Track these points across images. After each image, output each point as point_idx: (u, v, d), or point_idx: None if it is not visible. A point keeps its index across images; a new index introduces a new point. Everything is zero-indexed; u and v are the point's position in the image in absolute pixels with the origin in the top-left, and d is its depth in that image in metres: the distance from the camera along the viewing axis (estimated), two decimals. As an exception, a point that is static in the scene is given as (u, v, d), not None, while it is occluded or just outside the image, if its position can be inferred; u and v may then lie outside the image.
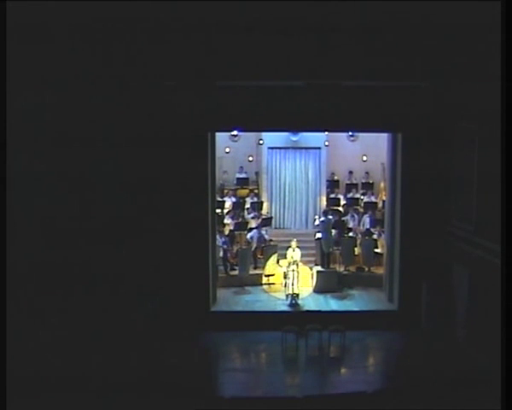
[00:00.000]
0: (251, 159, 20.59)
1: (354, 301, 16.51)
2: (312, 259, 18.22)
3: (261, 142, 20.09)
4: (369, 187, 19.80)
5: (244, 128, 16.74)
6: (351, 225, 18.70)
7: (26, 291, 12.61)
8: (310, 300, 16.52)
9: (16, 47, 10.69)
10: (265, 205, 20.03)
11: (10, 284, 9.39)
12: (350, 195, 19.74)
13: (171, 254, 15.41)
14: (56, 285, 13.77)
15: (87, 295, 14.60)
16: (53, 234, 13.58)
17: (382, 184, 18.93)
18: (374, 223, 18.37)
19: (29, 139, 13.05)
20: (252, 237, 18.25)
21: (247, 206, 19.56)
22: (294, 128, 17.62)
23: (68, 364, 12.01)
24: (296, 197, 20.41)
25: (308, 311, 15.78)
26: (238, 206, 19.33)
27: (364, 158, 20.33)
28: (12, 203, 10.88)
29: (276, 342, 14.25)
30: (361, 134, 19.47)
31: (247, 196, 19.97)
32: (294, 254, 16.53)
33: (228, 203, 19.41)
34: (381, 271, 17.50)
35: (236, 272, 17.51)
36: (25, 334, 11.72)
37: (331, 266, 17.56)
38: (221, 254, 17.47)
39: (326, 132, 19.06)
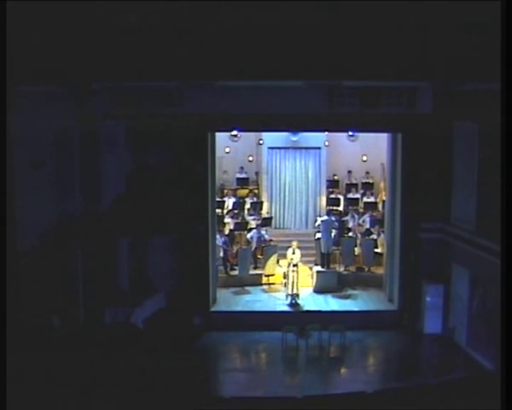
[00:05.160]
0: (251, 159, 20.58)
1: (354, 301, 16.52)
2: (312, 259, 18.22)
3: (261, 142, 20.09)
4: (368, 187, 19.79)
5: (244, 128, 16.75)
6: (351, 225, 18.70)
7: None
8: (310, 300, 16.52)
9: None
10: (265, 205, 20.03)
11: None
12: (350, 195, 19.73)
13: (171, 254, 15.45)
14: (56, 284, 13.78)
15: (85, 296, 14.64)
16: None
17: (382, 184, 18.93)
18: (374, 223, 18.37)
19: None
20: (252, 237, 18.24)
21: (247, 206, 19.55)
22: (294, 128, 17.62)
23: (67, 364, 12.02)
24: (296, 197, 20.41)
25: (308, 311, 15.78)
26: (238, 206, 19.32)
27: (364, 158, 20.32)
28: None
29: (276, 342, 14.25)
30: (361, 134, 19.46)
31: (247, 196, 19.96)
32: (295, 256, 16.48)
33: (228, 203, 19.40)
34: (381, 271, 17.50)
35: (236, 272, 17.51)
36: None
37: (331, 266, 17.57)
38: (221, 254, 17.47)
39: (326, 132, 19.06)
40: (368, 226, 18.47)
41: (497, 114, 9.67)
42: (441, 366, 13.40)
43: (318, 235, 17.87)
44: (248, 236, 18.33)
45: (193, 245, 15.25)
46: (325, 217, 17.83)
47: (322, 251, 17.35)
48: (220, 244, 17.33)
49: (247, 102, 14.46)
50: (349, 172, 20.33)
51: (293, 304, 16.12)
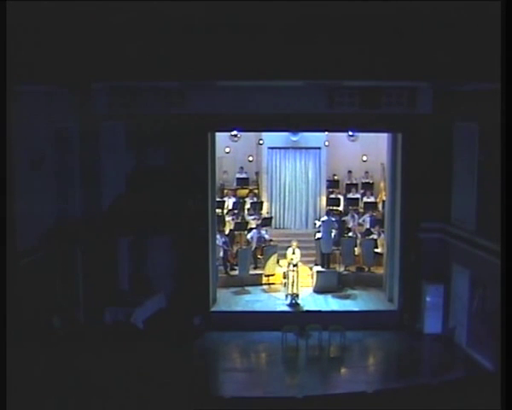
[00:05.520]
0: (251, 159, 20.57)
1: (354, 301, 16.51)
2: (312, 259, 18.20)
3: (261, 142, 20.08)
4: (368, 187, 19.79)
5: (244, 128, 16.75)
6: (351, 225, 18.70)
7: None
8: (310, 300, 16.50)
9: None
10: (265, 205, 20.02)
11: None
12: (350, 195, 19.73)
13: (171, 254, 15.45)
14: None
15: (85, 296, 14.64)
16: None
17: (382, 184, 18.93)
18: (374, 223, 18.37)
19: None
20: (252, 237, 18.24)
21: (247, 206, 19.55)
22: (294, 128, 17.61)
23: (67, 364, 12.02)
24: (296, 197, 20.41)
25: (308, 311, 15.78)
26: (238, 206, 19.32)
27: (364, 158, 20.31)
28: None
29: (276, 342, 14.25)
30: (361, 134, 19.46)
31: (247, 196, 19.95)
32: (295, 256, 16.47)
33: (228, 203, 19.40)
34: (381, 271, 17.50)
35: (236, 272, 17.50)
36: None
37: (331, 266, 17.57)
38: (221, 254, 17.47)
39: (326, 132, 19.05)
40: (368, 226, 18.47)
41: (497, 114, 9.68)
42: (441, 366, 13.39)
43: (318, 235, 17.86)
44: (248, 236, 18.33)
45: (193, 245, 15.24)
46: (325, 217, 17.82)
47: (323, 251, 17.34)
48: (220, 244, 17.33)
49: (247, 102, 14.46)
50: (349, 172, 20.33)
51: (293, 304, 16.11)
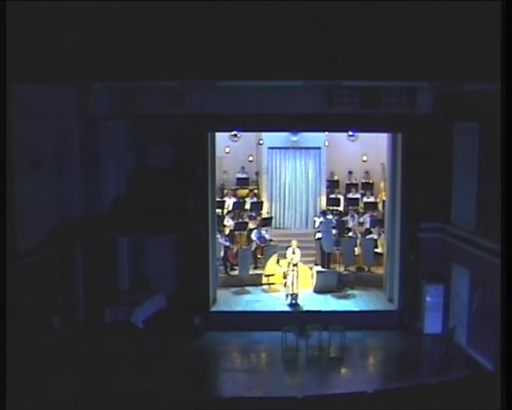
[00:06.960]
0: (251, 159, 20.56)
1: (354, 301, 16.51)
2: (312, 259, 18.20)
3: (261, 142, 20.08)
4: (368, 187, 19.79)
5: (244, 128, 16.75)
6: (351, 225, 18.70)
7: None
8: (310, 300, 16.50)
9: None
10: (265, 205, 20.02)
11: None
12: (350, 195, 19.73)
13: (171, 254, 15.45)
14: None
15: (85, 296, 14.65)
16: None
17: (382, 184, 18.93)
18: (374, 223, 18.37)
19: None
20: (253, 237, 18.24)
21: (247, 206, 19.55)
22: (294, 128, 17.61)
23: (67, 364, 12.02)
24: (296, 197, 20.40)
25: (308, 311, 15.77)
26: (238, 206, 19.32)
27: (364, 158, 20.30)
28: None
29: (276, 342, 14.24)
30: (361, 134, 19.45)
31: (247, 196, 19.95)
32: (294, 256, 16.46)
33: (228, 203, 19.39)
34: (381, 271, 17.49)
35: (236, 272, 17.50)
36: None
37: (331, 266, 17.56)
38: (222, 253, 17.47)
39: (326, 132, 19.05)
40: (368, 226, 18.46)
41: (497, 114, 9.69)
42: (441, 366, 13.40)
43: (318, 235, 17.85)
44: (252, 235, 18.31)
45: (193, 245, 15.25)
46: (321, 218, 17.78)
47: (326, 251, 17.31)
48: (222, 241, 17.35)
49: (247, 102, 14.47)
50: (349, 172, 20.32)
51: (293, 304, 16.11)
